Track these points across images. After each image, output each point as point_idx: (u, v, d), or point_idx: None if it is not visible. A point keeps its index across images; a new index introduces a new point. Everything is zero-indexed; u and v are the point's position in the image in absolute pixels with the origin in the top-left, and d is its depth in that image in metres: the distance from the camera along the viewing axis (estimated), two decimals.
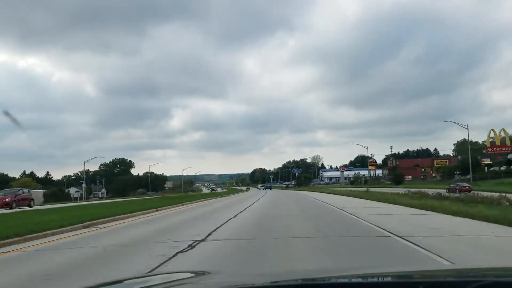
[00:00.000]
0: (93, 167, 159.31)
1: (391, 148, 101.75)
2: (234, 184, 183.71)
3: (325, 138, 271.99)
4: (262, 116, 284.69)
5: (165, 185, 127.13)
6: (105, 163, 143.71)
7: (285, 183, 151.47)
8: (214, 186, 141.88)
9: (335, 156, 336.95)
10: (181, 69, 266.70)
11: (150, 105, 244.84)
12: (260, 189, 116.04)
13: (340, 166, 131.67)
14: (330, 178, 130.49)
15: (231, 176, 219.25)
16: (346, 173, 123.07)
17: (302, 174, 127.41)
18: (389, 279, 2.01)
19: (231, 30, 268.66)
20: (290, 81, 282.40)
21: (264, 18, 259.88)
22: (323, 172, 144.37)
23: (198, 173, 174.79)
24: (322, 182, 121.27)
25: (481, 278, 1.78)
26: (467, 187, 44.12)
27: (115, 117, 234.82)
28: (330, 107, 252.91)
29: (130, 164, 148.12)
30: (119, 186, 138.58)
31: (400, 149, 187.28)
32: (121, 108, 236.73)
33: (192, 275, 2.56)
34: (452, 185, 48.15)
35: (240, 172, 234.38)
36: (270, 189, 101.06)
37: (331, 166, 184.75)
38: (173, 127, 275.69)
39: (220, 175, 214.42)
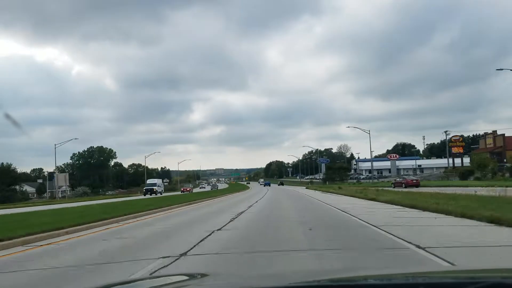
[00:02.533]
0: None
1: (446, 134, 69.50)
2: (247, 178, 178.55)
3: (348, 132, 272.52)
4: (283, 109, 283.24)
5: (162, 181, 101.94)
6: (78, 152, 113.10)
7: (308, 177, 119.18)
8: (213, 182, 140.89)
9: (359, 149, 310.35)
10: (201, 59, 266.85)
11: (171, 98, 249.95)
12: (261, 184, 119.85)
13: (390, 154, 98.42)
14: (369, 171, 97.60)
15: (248, 171, 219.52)
16: (400, 163, 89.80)
17: (335, 164, 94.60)
18: (390, 281, 2.07)
19: (253, 15, 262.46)
20: (315, 70, 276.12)
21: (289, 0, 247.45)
22: (359, 163, 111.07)
23: (216, 168, 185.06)
24: (361, 177, 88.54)
25: (483, 279, 1.82)
26: (414, 181, 45.04)
27: (135, 111, 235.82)
28: (355, 98, 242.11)
29: (110, 154, 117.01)
30: (93, 181, 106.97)
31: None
32: (141, 101, 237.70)
33: (188, 277, 2.62)
34: (398, 179, 50.21)
35: (259, 166, 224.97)
36: (269, 185, 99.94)
37: (365, 157, 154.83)
38: (194, 120, 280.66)
39: (237, 170, 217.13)
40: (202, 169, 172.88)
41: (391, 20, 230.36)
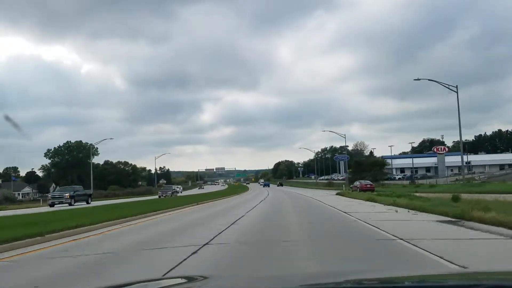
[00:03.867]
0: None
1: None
2: (253, 180, 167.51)
3: (359, 132, 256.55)
4: (294, 109, 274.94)
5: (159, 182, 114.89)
6: (54, 148, 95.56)
7: (323, 177, 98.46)
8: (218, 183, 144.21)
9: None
10: (212, 57, 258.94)
11: (181, 97, 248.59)
12: (260, 184, 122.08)
13: (436, 146, 78.04)
14: (401, 170, 78.29)
15: (257, 172, 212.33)
16: (452, 159, 69.28)
17: (368, 159, 76.08)
18: (398, 284, 2.06)
19: (264, 10, 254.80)
20: (327, 69, 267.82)
21: None
22: (392, 160, 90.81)
23: (225, 169, 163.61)
24: (397, 177, 68.97)
25: (494, 282, 1.82)
26: (368, 185, 44.68)
27: (144, 111, 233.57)
28: (369, 97, 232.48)
29: (89, 151, 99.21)
30: (71, 181, 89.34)
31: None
32: (150, 101, 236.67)
33: (187, 280, 2.60)
34: (355, 183, 48.66)
35: (269, 167, 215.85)
36: (268, 186, 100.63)
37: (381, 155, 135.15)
38: (204, 121, 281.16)
39: (245, 170, 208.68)
40: (210, 169, 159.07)
41: (407, 15, 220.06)
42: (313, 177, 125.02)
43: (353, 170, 63.79)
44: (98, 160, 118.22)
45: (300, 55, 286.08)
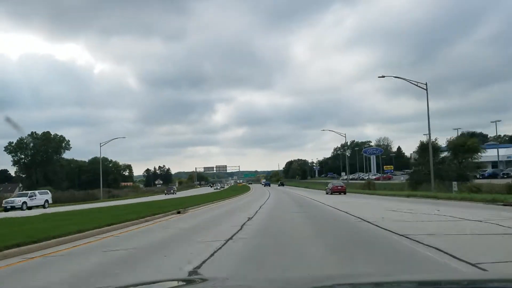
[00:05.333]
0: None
1: None
2: (263, 179, 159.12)
3: (374, 133, 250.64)
4: (307, 109, 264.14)
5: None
6: (15, 141, 76.59)
7: (352, 176, 76.71)
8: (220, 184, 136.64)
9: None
10: (226, 55, 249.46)
11: (194, 97, 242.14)
12: (262, 184, 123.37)
13: None
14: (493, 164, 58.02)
15: (268, 173, 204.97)
16: None
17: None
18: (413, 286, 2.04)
19: (280, 5, 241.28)
20: (343, 67, 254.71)
21: None
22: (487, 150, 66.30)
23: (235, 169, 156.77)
24: (485, 173, 46.85)
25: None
26: (339, 187, 44.43)
27: (157, 112, 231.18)
28: (385, 96, 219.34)
29: (60, 144, 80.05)
30: (36, 180, 71.07)
31: None
32: (163, 101, 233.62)
33: (187, 282, 2.56)
34: (328, 186, 47.79)
35: (280, 168, 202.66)
36: (269, 186, 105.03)
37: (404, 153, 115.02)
38: (217, 122, 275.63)
39: (256, 171, 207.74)
40: (220, 170, 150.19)
41: (429, 9, 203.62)
42: (335, 176, 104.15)
43: (418, 161, 40.73)
44: (72, 155, 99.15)
45: (316, 52, 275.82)
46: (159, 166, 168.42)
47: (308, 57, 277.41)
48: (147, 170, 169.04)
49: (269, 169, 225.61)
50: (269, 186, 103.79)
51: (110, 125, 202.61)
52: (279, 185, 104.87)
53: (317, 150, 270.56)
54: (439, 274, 3.72)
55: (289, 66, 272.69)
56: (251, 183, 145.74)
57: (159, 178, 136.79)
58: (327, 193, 43.15)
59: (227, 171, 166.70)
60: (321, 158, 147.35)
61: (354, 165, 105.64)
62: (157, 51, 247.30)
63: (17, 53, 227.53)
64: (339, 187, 44.30)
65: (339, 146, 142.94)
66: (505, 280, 2.19)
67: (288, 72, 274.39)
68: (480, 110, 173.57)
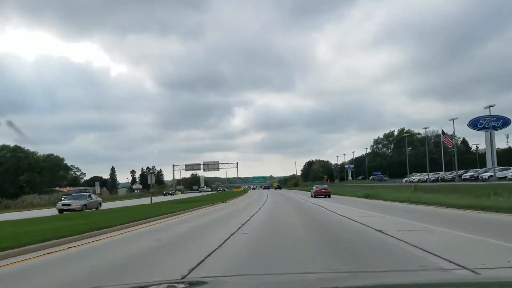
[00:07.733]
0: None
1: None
2: (274, 184, 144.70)
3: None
4: (328, 112, 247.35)
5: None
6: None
7: (411, 179, 49.19)
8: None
9: None
10: (245, 54, 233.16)
11: (211, 100, 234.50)
12: (263, 188, 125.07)
13: None
14: None
15: (284, 178, 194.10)
16: None
17: None
18: None
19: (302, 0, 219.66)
20: (369, 67, 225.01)
21: None
22: None
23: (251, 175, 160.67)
24: None
25: None
26: (323, 190, 43.58)
27: (175, 116, 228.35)
28: (410, 99, 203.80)
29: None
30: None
31: None
32: (181, 105, 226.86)
33: (186, 285, 2.51)
34: (312, 188, 46.76)
35: (298, 174, 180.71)
36: (268, 189, 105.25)
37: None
38: (235, 127, 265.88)
39: (271, 176, 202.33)
40: (235, 176, 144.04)
41: (466, 4, 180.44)
42: (383, 177, 78.11)
43: None
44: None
45: (339, 51, 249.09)
46: (147, 167, 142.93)
47: (330, 56, 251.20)
48: (132, 172, 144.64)
49: (287, 175, 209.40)
50: (268, 189, 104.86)
51: (127, 129, 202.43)
52: (275, 189, 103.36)
53: (339, 156, 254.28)
54: (438, 276, 3.72)
55: (311, 67, 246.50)
56: (255, 188, 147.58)
57: (154, 181, 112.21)
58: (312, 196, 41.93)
59: (240, 176, 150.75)
60: (347, 159, 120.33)
61: (402, 163, 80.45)
62: (173, 51, 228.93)
63: (33, 54, 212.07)
64: (323, 190, 43.47)
65: (378, 138, 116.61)
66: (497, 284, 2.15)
67: (309, 73, 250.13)
68: (506, 113, 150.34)
